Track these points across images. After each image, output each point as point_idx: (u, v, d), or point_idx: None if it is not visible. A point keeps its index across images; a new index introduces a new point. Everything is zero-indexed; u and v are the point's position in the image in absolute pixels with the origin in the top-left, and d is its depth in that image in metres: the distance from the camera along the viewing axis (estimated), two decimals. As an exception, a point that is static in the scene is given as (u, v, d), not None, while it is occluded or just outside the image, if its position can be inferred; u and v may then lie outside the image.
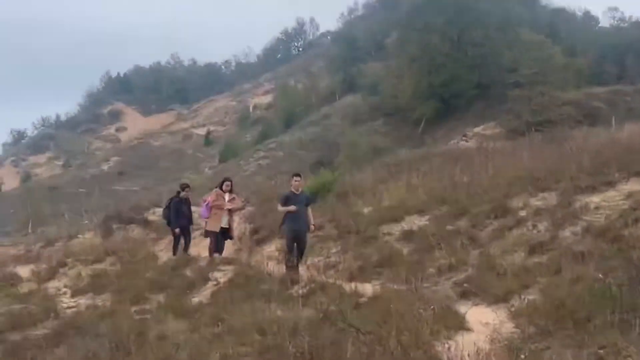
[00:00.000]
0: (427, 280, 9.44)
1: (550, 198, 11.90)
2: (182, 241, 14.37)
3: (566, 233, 10.06)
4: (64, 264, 14.67)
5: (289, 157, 45.73)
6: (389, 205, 15.12)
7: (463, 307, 7.62)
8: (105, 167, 74.01)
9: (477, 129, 33.05)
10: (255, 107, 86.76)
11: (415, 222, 13.29)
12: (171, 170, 66.28)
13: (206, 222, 13.44)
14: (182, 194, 14.52)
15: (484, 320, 6.92)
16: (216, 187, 13.68)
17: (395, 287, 8.82)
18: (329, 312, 7.28)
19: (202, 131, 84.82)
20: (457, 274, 9.61)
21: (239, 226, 15.54)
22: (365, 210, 15.48)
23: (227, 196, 13.45)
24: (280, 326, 7.15)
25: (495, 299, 8.15)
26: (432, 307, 6.90)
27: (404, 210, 14.06)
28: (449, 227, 12.15)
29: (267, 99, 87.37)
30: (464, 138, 31.90)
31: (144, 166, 71.57)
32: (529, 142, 21.10)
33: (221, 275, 11.10)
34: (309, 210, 11.94)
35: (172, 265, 12.37)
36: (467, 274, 9.46)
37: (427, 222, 13.00)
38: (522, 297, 7.81)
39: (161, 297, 10.46)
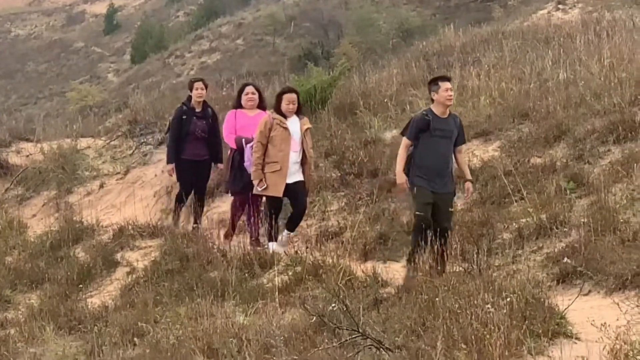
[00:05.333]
0: (498, 254, 7.42)
1: None
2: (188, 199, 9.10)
3: None
4: None
5: (254, 49, 34.94)
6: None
7: (562, 299, 5.90)
8: None
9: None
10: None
11: (477, 153, 9.78)
12: (48, 77, 49.96)
13: (262, 180, 8.00)
14: (195, 94, 8.77)
15: (599, 319, 5.43)
16: (272, 110, 8.25)
17: (443, 267, 6.96)
18: (328, 314, 5.72)
19: (99, 7, 61.26)
20: (550, 241, 7.47)
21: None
22: (388, 135, 11.12)
23: (294, 122, 8.17)
24: (243, 343, 5.65)
25: (619, 284, 6.32)
26: (508, 299, 5.49)
27: (456, 134, 10.28)
28: (536, 160, 9.04)
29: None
30: (559, 6, 25.50)
31: (-2, 72, 52.96)
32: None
33: (138, 256, 8.54)
34: (463, 152, 7.70)
35: (51, 240, 9.38)
36: (569, 240, 7.28)
37: (497, 153, 9.64)
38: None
39: (34, 298, 8.26)
